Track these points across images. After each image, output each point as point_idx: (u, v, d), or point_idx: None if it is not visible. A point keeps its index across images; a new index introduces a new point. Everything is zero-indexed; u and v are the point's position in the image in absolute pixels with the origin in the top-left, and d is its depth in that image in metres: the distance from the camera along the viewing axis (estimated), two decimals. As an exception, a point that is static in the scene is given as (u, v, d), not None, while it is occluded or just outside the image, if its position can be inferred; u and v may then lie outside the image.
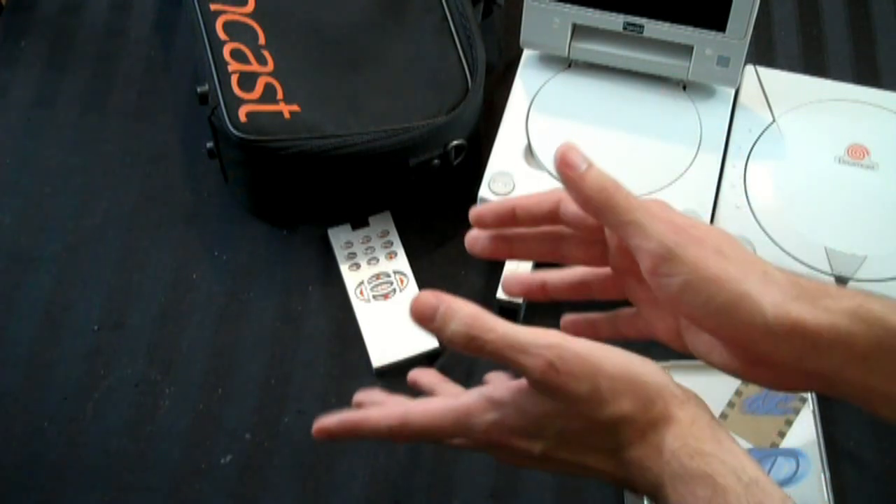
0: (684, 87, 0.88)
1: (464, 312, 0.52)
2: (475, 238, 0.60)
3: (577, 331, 0.61)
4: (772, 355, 0.51)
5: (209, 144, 0.86)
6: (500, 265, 0.82)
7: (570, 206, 0.55)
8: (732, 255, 0.51)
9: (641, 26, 0.84)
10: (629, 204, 0.52)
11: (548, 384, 0.51)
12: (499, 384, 0.53)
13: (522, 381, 0.52)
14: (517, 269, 0.82)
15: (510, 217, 0.58)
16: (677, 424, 0.52)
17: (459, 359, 0.82)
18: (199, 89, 0.84)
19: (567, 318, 0.62)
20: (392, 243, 0.87)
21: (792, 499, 0.50)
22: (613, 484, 0.54)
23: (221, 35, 0.87)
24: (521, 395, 0.52)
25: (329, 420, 0.56)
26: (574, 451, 0.53)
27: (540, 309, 0.83)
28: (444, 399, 0.55)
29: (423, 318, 0.53)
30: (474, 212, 0.60)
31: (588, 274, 0.60)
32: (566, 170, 0.53)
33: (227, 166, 0.87)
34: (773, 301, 0.50)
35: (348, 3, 0.91)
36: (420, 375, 0.65)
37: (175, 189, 0.91)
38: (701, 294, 0.50)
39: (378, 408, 0.56)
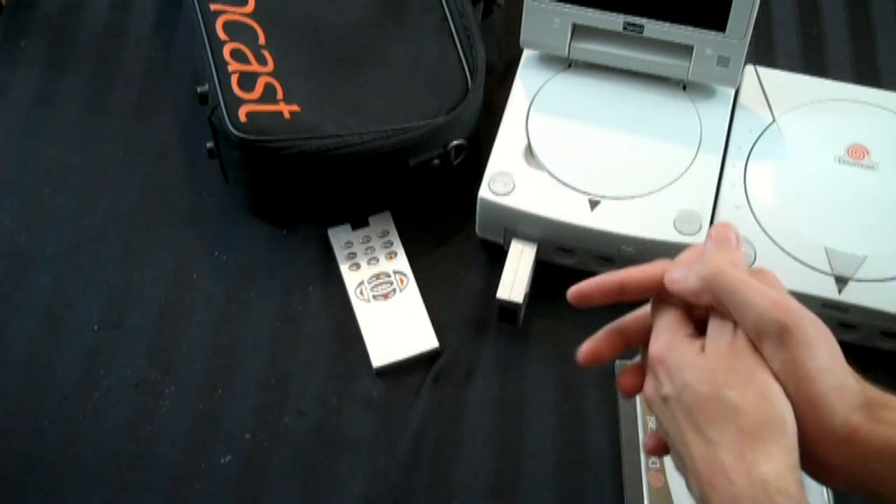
0: (684, 87, 0.88)
1: (700, 268, 0.57)
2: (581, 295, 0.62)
3: (599, 353, 0.63)
4: (826, 459, 0.53)
5: (209, 144, 0.86)
6: (500, 265, 0.82)
7: (675, 284, 0.58)
8: (825, 351, 0.53)
9: (641, 26, 0.84)
10: (733, 289, 0.55)
11: (760, 324, 0.53)
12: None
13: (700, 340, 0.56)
14: (517, 270, 0.82)
15: (617, 293, 0.61)
16: (775, 462, 0.51)
17: (459, 359, 0.82)
18: (199, 89, 0.84)
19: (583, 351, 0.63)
20: (392, 243, 0.87)
21: None
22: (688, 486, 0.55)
23: (221, 35, 0.87)
24: (687, 342, 0.56)
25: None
26: (684, 414, 0.54)
27: (539, 310, 0.83)
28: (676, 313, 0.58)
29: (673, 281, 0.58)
30: (577, 292, 0.62)
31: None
32: (673, 286, 0.58)
33: (227, 166, 0.87)
34: (843, 408, 0.52)
35: (348, 3, 0.91)
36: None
37: (175, 189, 0.91)
38: (791, 384, 0.53)
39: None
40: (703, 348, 0.55)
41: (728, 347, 0.54)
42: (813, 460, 0.53)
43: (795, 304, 0.54)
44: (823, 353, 0.53)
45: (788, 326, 0.52)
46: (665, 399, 0.55)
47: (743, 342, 0.54)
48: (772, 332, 0.53)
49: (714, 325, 0.56)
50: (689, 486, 0.55)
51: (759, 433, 0.51)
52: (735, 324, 0.55)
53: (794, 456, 0.52)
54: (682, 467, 0.56)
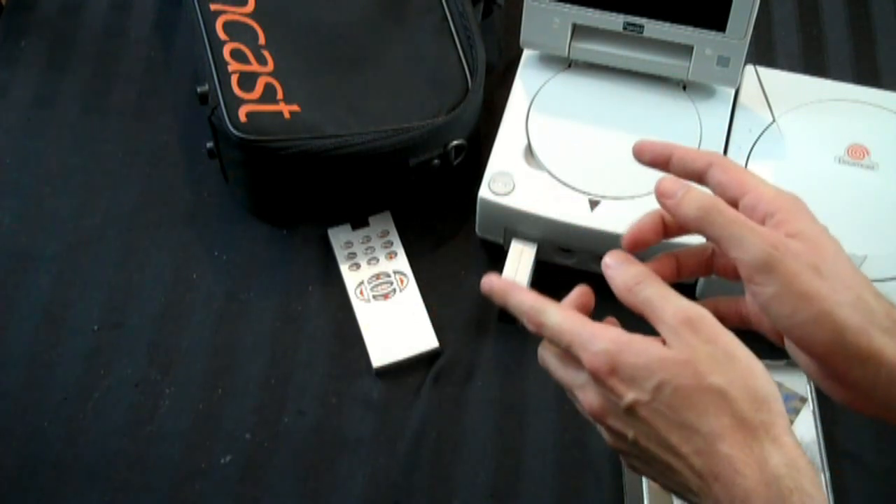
0: (684, 87, 0.88)
1: (701, 198, 0.55)
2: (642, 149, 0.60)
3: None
4: (846, 376, 0.52)
5: (209, 144, 0.86)
6: (501, 265, 0.82)
7: (669, 200, 0.57)
8: (829, 273, 0.52)
9: (641, 26, 0.84)
10: (726, 219, 0.54)
11: (678, 329, 0.52)
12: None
13: (653, 338, 0.53)
14: (517, 270, 0.82)
15: (665, 162, 0.59)
16: (784, 450, 0.50)
17: (459, 359, 0.82)
18: (199, 89, 0.84)
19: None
20: (392, 243, 0.87)
21: None
22: (682, 491, 0.53)
23: (221, 35, 0.87)
24: (643, 339, 0.53)
25: (495, 279, 0.58)
26: (663, 416, 0.51)
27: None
28: (582, 316, 0.55)
29: (664, 194, 0.56)
30: (637, 145, 0.59)
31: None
32: (664, 199, 0.56)
33: (227, 166, 0.87)
34: (856, 326, 0.51)
35: (348, 3, 0.91)
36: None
37: (175, 189, 0.91)
38: (787, 307, 0.52)
39: (530, 293, 0.57)
40: (663, 342, 0.52)
41: (690, 330, 0.52)
42: (831, 376, 0.53)
43: (785, 241, 0.53)
44: (822, 272, 0.52)
45: (770, 263, 0.52)
46: (631, 408, 0.52)
47: (708, 323, 0.52)
48: (759, 265, 0.52)
49: (659, 311, 0.53)
50: (686, 497, 0.53)
51: (757, 416, 0.50)
52: (675, 297, 0.53)
53: (793, 433, 0.51)
54: (667, 479, 0.53)
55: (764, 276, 0.52)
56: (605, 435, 0.55)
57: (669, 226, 0.59)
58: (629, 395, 0.51)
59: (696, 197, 0.55)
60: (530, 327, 0.56)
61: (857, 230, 0.81)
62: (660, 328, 0.53)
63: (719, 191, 0.57)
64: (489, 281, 0.59)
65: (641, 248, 0.59)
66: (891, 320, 0.52)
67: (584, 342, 0.53)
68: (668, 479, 0.53)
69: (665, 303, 0.53)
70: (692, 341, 0.51)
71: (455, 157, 0.86)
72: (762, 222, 0.55)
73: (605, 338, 0.53)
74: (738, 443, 0.50)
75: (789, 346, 0.55)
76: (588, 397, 0.54)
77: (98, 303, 0.85)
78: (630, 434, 0.53)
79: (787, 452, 0.50)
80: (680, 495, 0.53)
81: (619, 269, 0.55)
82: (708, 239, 0.55)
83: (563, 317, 0.55)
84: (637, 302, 0.54)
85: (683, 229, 0.58)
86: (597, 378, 0.53)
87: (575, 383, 0.55)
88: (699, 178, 0.58)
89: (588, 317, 0.56)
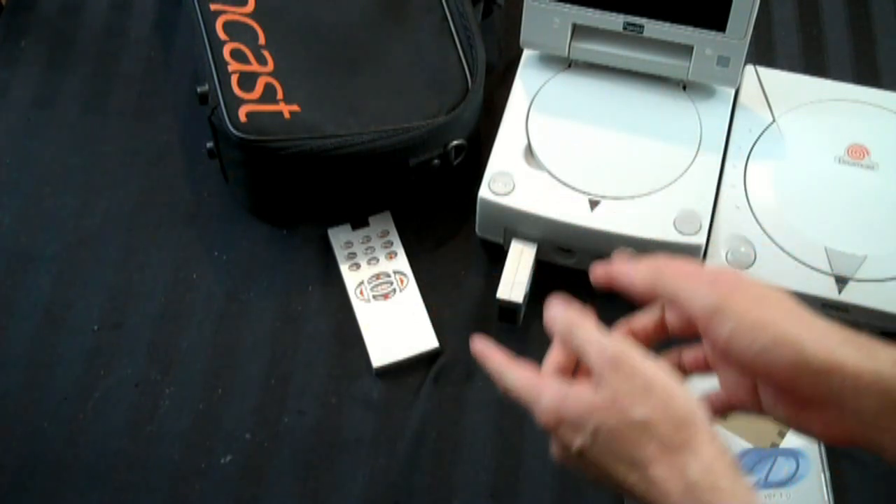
0: (684, 87, 0.88)
1: (647, 266, 0.60)
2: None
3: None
4: (813, 394, 0.54)
5: (209, 144, 0.86)
6: (500, 265, 0.82)
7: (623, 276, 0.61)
8: (776, 306, 0.56)
9: (641, 26, 0.84)
10: (677, 275, 0.59)
11: (602, 371, 0.56)
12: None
13: (583, 382, 0.58)
14: (517, 270, 0.82)
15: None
16: (702, 457, 0.53)
17: (459, 359, 0.82)
18: (199, 89, 0.84)
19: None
20: (392, 243, 0.87)
21: None
22: None
23: (221, 35, 0.87)
24: (578, 389, 0.57)
25: (478, 343, 0.63)
26: (605, 455, 0.56)
27: (539, 310, 0.83)
28: (534, 373, 0.60)
29: (619, 275, 0.61)
30: (597, 272, 0.64)
31: (678, 351, 0.64)
32: (617, 278, 0.61)
33: (227, 166, 0.87)
34: (814, 341, 0.54)
35: (348, 3, 0.91)
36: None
37: (175, 189, 0.91)
38: (746, 338, 0.55)
39: (498, 356, 0.62)
40: (592, 385, 0.56)
41: (611, 369, 0.56)
42: (808, 406, 0.55)
43: (729, 277, 0.57)
44: (769, 302, 0.56)
45: (720, 305, 0.56)
46: (580, 453, 0.56)
47: (626, 359, 0.56)
48: (711, 310, 0.56)
49: (586, 355, 0.58)
50: None
51: (678, 437, 0.54)
52: (597, 340, 0.57)
53: (717, 441, 0.54)
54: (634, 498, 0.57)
55: (718, 318, 0.56)
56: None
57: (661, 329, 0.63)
58: (576, 442, 0.56)
59: (643, 266, 0.60)
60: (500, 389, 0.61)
61: (857, 230, 0.81)
62: (592, 372, 0.57)
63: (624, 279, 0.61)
64: (474, 344, 0.63)
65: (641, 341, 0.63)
66: (843, 335, 0.55)
67: (534, 400, 0.58)
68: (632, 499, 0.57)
69: (589, 346, 0.57)
70: (614, 381, 0.55)
71: (455, 157, 0.86)
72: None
73: (549, 394, 0.57)
74: (664, 464, 0.54)
75: (766, 401, 0.58)
76: (552, 445, 0.59)
77: (98, 303, 0.85)
78: (588, 474, 0.58)
79: (703, 459, 0.53)
80: None
81: (556, 319, 0.60)
82: (665, 300, 0.60)
83: (516, 377, 0.60)
84: (573, 348, 0.59)
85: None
86: (548, 430, 0.58)
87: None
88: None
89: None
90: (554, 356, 0.62)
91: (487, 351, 0.62)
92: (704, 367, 0.62)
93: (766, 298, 0.56)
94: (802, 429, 0.57)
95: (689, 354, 0.63)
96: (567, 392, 0.57)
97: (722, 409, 0.61)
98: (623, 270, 0.61)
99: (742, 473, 0.54)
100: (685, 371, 0.63)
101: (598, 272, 0.62)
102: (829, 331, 0.54)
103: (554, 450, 0.59)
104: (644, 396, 0.55)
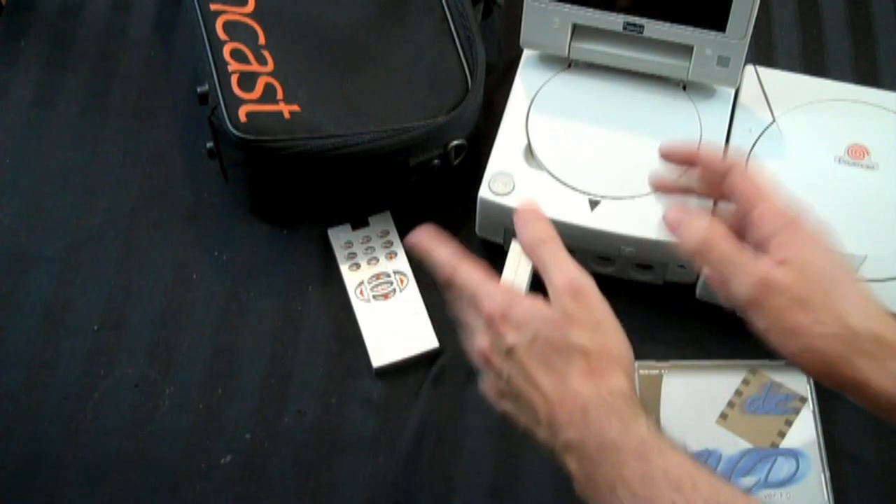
0: (684, 87, 0.88)
1: (699, 233, 0.63)
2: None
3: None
4: (843, 394, 0.59)
5: (209, 144, 0.86)
6: (500, 265, 0.82)
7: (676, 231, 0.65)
8: (816, 304, 0.59)
9: (641, 26, 0.84)
10: (719, 256, 0.62)
11: (560, 293, 0.60)
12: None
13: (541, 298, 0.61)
14: (517, 270, 0.82)
15: (691, 163, 0.69)
16: (614, 383, 0.57)
17: (459, 359, 0.82)
18: (199, 89, 0.84)
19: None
20: (392, 243, 0.87)
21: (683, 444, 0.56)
22: (532, 425, 0.60)
23: (221, 35, 0.87)
24: (534, 299, 0.61)
25: (424, 236, 0.65)
26: (533, 357, 0.59)
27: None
28: (487, 274, 0.63)
29: (670, 225, 0.65)
30: (663, 147, 0.70)
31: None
32: (671, 229, 0.64)
33: (227, 166, 0.87)
34: (839, 356, 0.57)
35: (348, 3, 0.91)
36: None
37: (175, 189, 0.91)
38: (777, 340, 0.59)
39: (448, 249, 0.65)
40: (544, 301, 0.60)
41: (572, 295, 0.59)
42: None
43: (778, 276, 0.59)
44: (809, 305, 0.58)
45: (757, 301, 0.59)
46: (510, 350, 0.59)
47: (589, 294, 0.59)
48: (749, 302, 0.60)
49: (549, 272, 0.61)
50: (533, 430, 0.60)
51: (605, 365, 0.58)
52: (566, 264, 0.61)
53: (632, 384, 0.58)
54: (525, 412, 0.60)
55: (754, 312, 0.59)
56: (487, 378, 0.63)
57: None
58: (511, 338, 0.59)
59: (696, 231, 0.63)
60: (443, 277, 0.64)
61: (856, 230, 0.81)
62: (549, 288, 0.61)
63: (734, 197, 0.64)
64: (417, 236, 0.65)
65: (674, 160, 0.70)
66: (874, 342, 0.57)
67: (486, 292, 0.61)
68: (525, 413, 0.60)
69: (557, 269, 0.61)
70: (570, 306, 0.59)
71: (455, 157, 0.86)
72: (766, 241, 0.61)
73: (502, 291, 0.62)
74: (584, 378, 0.58)
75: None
76: (480, 338, 0.62)
77: (98, 303, 0.85)
78: (505, 372, 0.60)
79: (621, 383, 0.57)
80: (529, 433, 0.61)
81: (527, 226, 0.63)
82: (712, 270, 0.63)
83: (474, 272, 0.63)
84: (535, 259, 0.63)
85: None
86: (490, 321, 0.61)
87: (473, 325, 0.63)
88: (720, 180, 0.66)
89: None
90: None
91: (434, 242, 0.64)
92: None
93: (807, 300, 0.58)
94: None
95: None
96: (522, 297, 0.61)
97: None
98: (684, 224, 0.63)
99: (641, 409, 0.57)
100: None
101: (671, 216, 0.64)
102: (857, 340, 0.57)
103: (483, 342, 0.61)
104: (590, 329, 0.58)
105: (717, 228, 0.62)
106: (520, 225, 0.64)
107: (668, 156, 0.70)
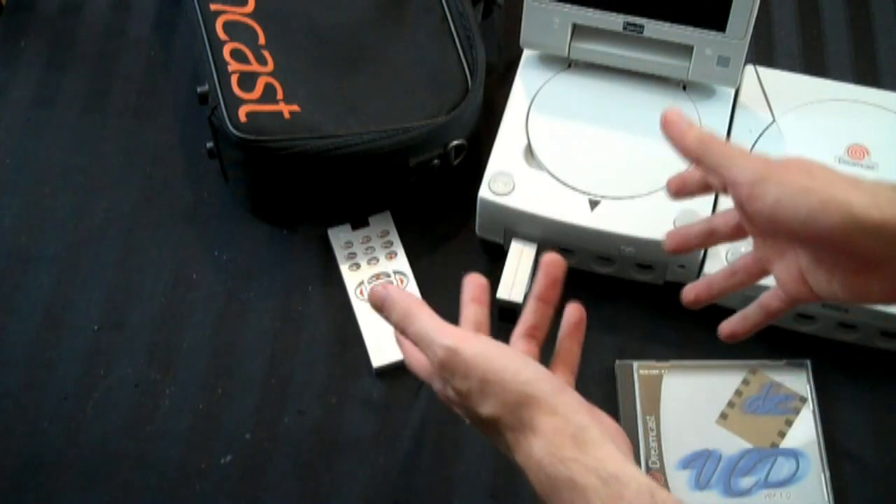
0: (684, 87, 0.88)
1: (399, 306, 0.62)
2: (668, 237, 0.70)
3: (734, 330, 0.69)
4: (867, 254, 0.55)
5: (209, 144, 0.86)
6: (500, 265, 0.82)
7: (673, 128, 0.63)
8: (819, 173, 0.57)
9: (641, 26, 0.84)
10: (724, 148, 0.60)
11: (441, 375, 0.59)
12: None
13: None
14: (517, 270, 0.82)
15: (710, 235, 0.68)
16: (542, 434, 0.55)
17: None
18: (199, 89, 0.84)
19: (722, 326, 0.69)
20: (392, 243, 0.87)
21: (655, 485, 0.53)
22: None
23: (221, 35, 0.87)
24: (440, 384, 0.61)
25: (391, 289, 0.63)
26: (496, 441, 0.59)
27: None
28: (426, 371, 0.63)
29: (374, 305, 0.63)
30: (671, 235, 0.70)
31: (733, 264, 0.68)
32: (670, 128, 0.63)
33: (227, 166, 0.87)
34: (860, 201, 0.54)
35: (348, 4, 0.91)
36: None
37: (175, 189, 0.91)
38: (790, 205, 0.56)
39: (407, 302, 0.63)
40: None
41: (448, 373, 0.58)
42: (869, 269, 0.56)
43: (774, 160, 0.58)
44: (813, 174, 0.56)
45: (765, 175, 0.57)
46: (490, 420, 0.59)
47: (448, 355, 0.58)
48: (756, 179, 0.57)
49: (422, 350, 0.61)
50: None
51: (521, 419, 0.56)
52: (429, 340, 0.59)
53: (559, 412, 0.56)
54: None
55: (762, 187, 0.57)
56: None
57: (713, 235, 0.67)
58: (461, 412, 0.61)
59: (697, 130, 0.62)
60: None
61: (857, 230, 0.81)
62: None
63: (674, 132, 0.63)
64: (380, 290, 0.63)
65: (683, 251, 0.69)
66: (892, 193, 0.54)
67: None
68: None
69: (424, 346, 0.60)
70: (454, 382, 0.58)
71: (455, 157, 0.86)
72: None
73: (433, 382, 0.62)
74: (518, 450, 0.57)
75: (819, 281, 0.59)
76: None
77: (98, 303, 0.85)
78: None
79: (544, 435, 0.55)
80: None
81: (394, 304, 0.62)
82: (705, 170, 0.62)
83: (407, 361, 0.65)
84: (409, 336, 0.61)
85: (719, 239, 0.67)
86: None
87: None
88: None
89: (557, 285, 0.65)
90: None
91: (403, 295, 0.63)
92: (736, 233, 0.65)
93: (811, 170, 0.57)
94: (861, 296, 0.58)
95: (720, 219, 0.66)
96: (437, 388, 0.61)
97: (780, 308, 0.65)
98: (680, 126, 0.62)
99: (593, 432, 0.55)
100: (720, 235, 0.66)
101: (669, 115, 0.63)
102: (878, 189, 0.55)
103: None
104: (483, 394, 0.57)
105: (711, 132, 0.62)
106: (386, 309, 0.62)
107: (679, 189, 0.69)
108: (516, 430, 0.56)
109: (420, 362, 0.63)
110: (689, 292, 0.69)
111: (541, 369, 0.59)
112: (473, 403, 0.58)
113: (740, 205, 0.60)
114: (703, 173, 0.63)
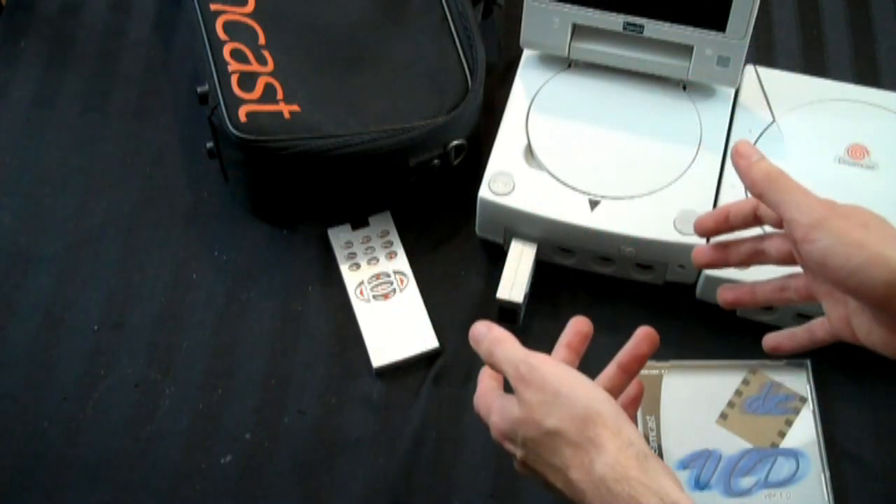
0: (684, 87, 0.88)
1: (492, 334, 0.64)
2: (701, 252, 0.70)
3: (780, 344, 0.70)
4: (883, 302, 0.57)
5: (209, 144, 0.86)
6: (500, 265, 0.82)
7: (765, 209, 0.66)
8: (876, 228, 0.59)
9: (641, 26, 0.84)
10: (788, 186, 0.62)
11: (516, 387, 0.61)
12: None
13: (510, 395, 0.62)
14: (517, 270, 0.82)
15: (724, 220, 0.68)
16: (606, 452, 0.57)
17: (459, 359, 0.82)
18: (199, 89, 0.84)
19: (769, 337, 0.71)
20: (392, 243, 0.87)
21: None
22: None
23: (221, 35, 0.87)
24: (508, 403, 0.62)
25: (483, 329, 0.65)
26: (538, 463, 0.61)
27: (539, 310, 0.83)
28: (494, 395, 0.64)
29: (472, 340, 0.65)
30: (697, 221, 0.69)
31: (786, 280, 0.69)
32: (739, 160, 0.64)
33: (227, 166, 0.87)
34: None
35: (348, 3, 0.91)
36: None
37: (175, 189, 0.91)
38: (841, 255, 0.58)
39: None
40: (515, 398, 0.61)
41: (524, 385, 0.60)
42: (892, 324, 0.59)
43: (836, 206, 0.61)
44: (869, 228, 0.58)
45: (823, 221, 0.59)
46: (523, 463, 0.62)
47: (535, 372, 0.60)
48: (814, 223, 0.59)
49: (505, 374, 0.62)
50: None
51: (585, 436, 0.57)
52: (511, 358, 0.61)
53: (624, 433, 0.57)
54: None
55: (818, 232, 0.59)
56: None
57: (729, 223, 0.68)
58: (516, 453, 0.62)
59: (765, 164, 0.63)
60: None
61: (857, 230, 0.81)
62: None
63: (769, 217, 0.66)
64: (481, 327, 0.65)
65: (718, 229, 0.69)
66: None
67: (486, 417, 0.64)
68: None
69: (506, 365, 0.62)
70: (526, 395, 0.60)
71: (455, 157, 0.86)
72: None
73: (495, 409, 0.63)
74: (577, 466, 0.58)
75: (861, 328, 0.61)
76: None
77: (98, 303, 0.85)
78: (537, 482, 0.62)
79: (608, 453, 0.57)
80: None
81: (480, 340, 0.64)
82: (769, 205, 0.63)
83: (478, 393, 0.65)
84: (495, 367, 0.63)
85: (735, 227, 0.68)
86: (499, 443, 0.64)
87: None
88: (754, 213, 0.67)
89: (586, 339, 0.66)
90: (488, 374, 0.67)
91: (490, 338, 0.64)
92: (785, 260, 0.66)
93: (867, 222, 0.59)
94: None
95: (772, 242, 0.67)
96: (501, 406, 0.62)
97: (825, 339, 0.66)
98: (750, 159, 0.64)
99: (654, 460, 0.57)
100: (767, 257, 0.67)
101: (740, 147, 0.65)
102: None
103: (515, 463, 0.63)
104: (553, 406, 0.59)
105: (778, 168, 0.63)
106: (475, 341, 0.64)
107: (704, 230, 0.70)
108: (578, 447, 0.58)
109: (484, 396, 0.65)
110: (728, 293, 0.70)
111: (607, 394, 0.60)
112: (540, 416, 0.59)
113: (795, 243, 0.61)
114: (765, 205, 0.65)
